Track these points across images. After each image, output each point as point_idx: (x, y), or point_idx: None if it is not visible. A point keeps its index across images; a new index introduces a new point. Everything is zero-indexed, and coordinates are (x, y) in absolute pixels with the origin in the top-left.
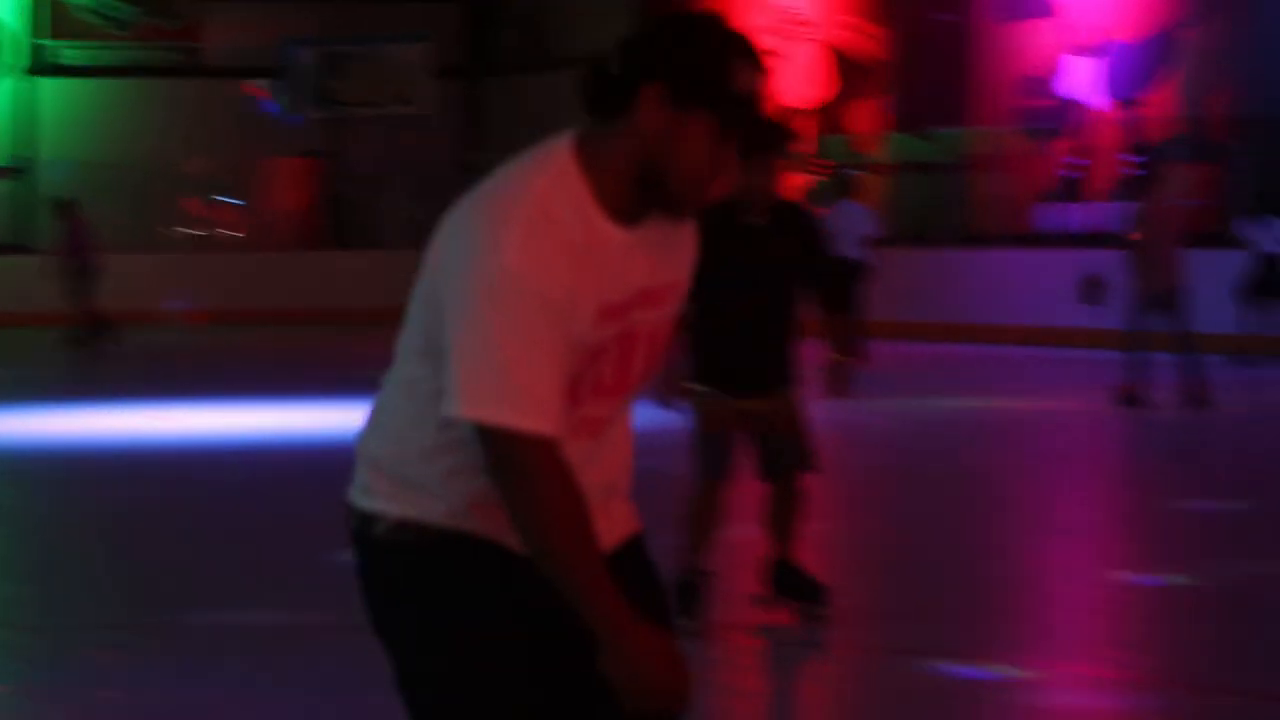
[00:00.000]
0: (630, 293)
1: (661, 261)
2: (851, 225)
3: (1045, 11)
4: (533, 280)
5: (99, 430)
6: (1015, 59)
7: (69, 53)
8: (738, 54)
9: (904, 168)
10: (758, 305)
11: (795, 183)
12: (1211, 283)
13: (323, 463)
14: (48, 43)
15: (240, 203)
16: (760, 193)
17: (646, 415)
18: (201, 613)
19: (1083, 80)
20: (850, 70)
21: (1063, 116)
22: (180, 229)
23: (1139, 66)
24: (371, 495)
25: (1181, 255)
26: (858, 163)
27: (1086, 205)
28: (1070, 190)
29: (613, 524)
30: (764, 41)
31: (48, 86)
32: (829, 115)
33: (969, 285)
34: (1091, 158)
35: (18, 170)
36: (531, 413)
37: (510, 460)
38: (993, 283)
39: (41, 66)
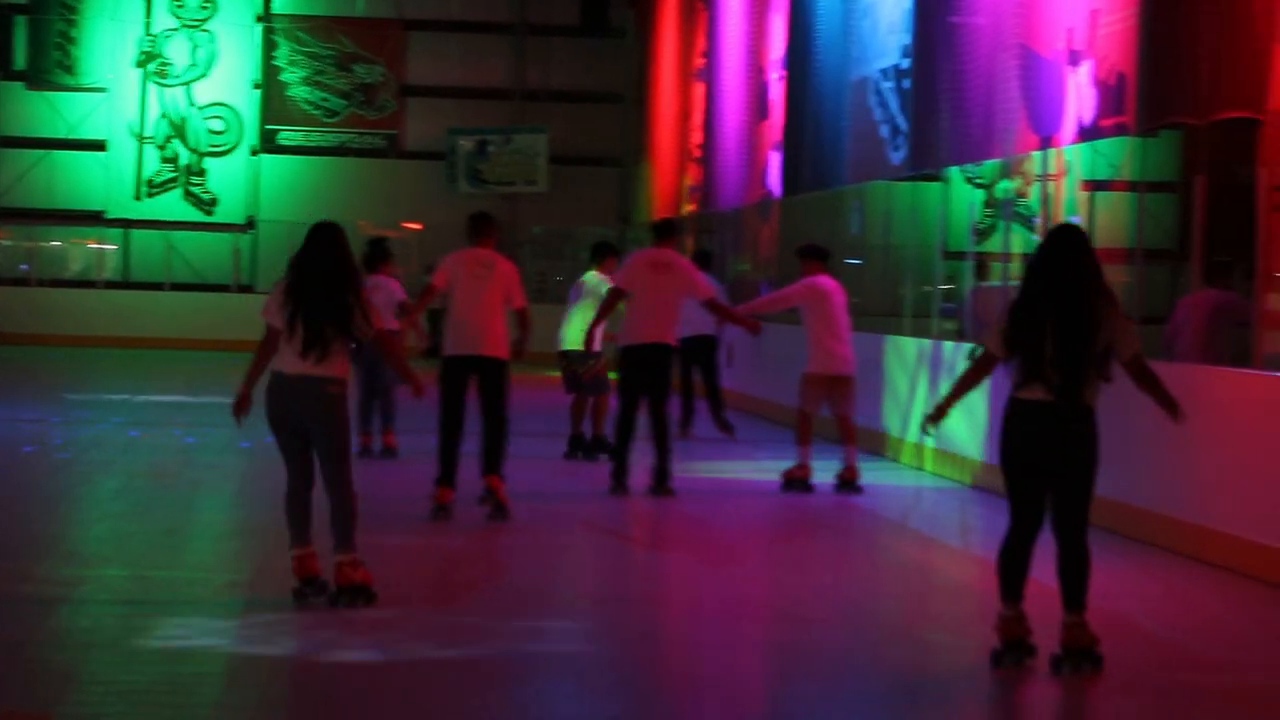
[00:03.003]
0: None
1: None
2: None
3: None
4: None
5: None
6: None
7: (288, 135)
8: None
9: None
10: None
11: None
12: None
13: None
14: (272, 127)
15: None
16: None
17: None
18: None
19: None
20: None
21: None
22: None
23: None
24: None
25: None
26: None
27: None
28: None
29: None
30: None
31: (270, 162)
32: None
33: None
34: None
35: (248, 227)
36: None
37: None
38: None
39: (267, 146)
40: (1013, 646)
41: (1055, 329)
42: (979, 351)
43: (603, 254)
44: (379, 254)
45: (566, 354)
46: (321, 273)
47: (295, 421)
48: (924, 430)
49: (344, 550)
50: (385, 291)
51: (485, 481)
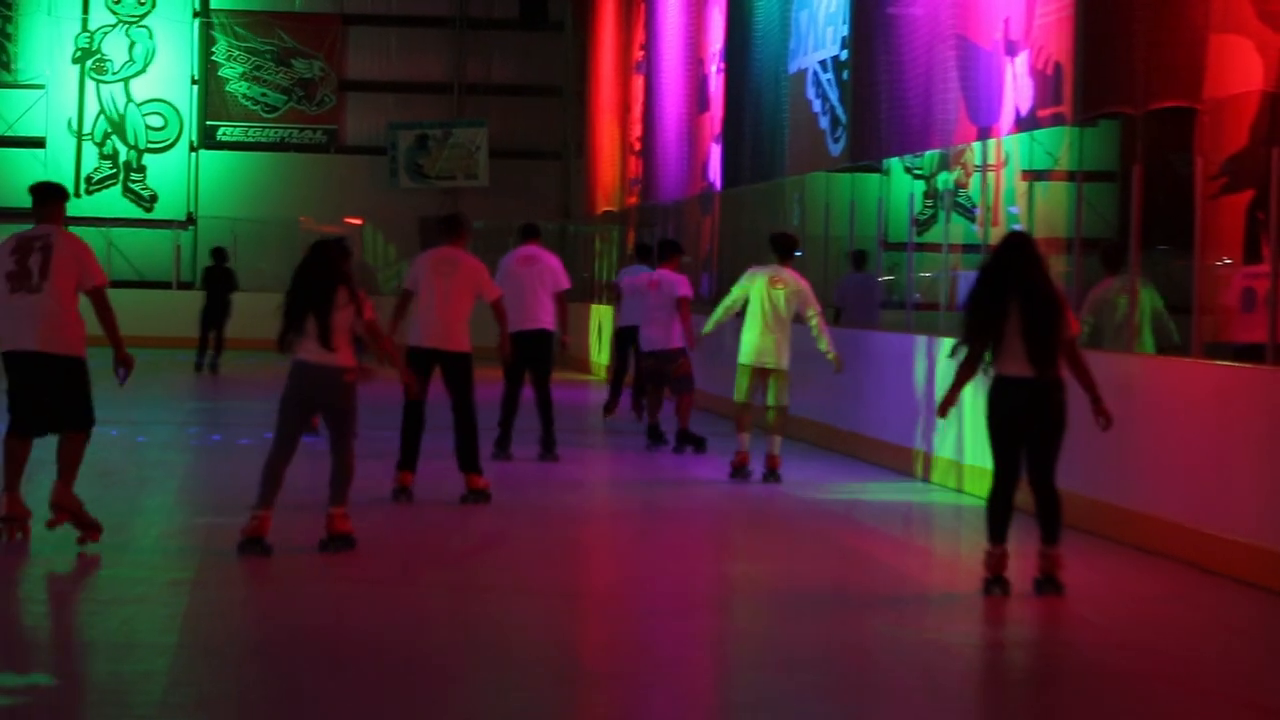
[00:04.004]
0: None
1: None
2: None
3: None
4: None
5: None
6: None
7: (228, 130)
8: None
9: None
10: None
11: None
12: None
13: None
14: (212, 123)
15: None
16: None
17: None
18: None
19: None
20: None
21: None
22: None
23: None
24: None
25: None
26: None
27: None
28: None
29: None
30: None
31: (210, 158)
32: None
33: None
34: None
35: (189, 223)
36: None
37: None
38: None
39: (207, 142)
40: (998, 579)
41: (1023, 317)
42: (962, 351)
43: (670, 252)
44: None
45: (654, 354)
46: (323, 277)
47: (309, 402)
48: (941, 415)
49: (338, 504)
50: None
51: (465, 479)
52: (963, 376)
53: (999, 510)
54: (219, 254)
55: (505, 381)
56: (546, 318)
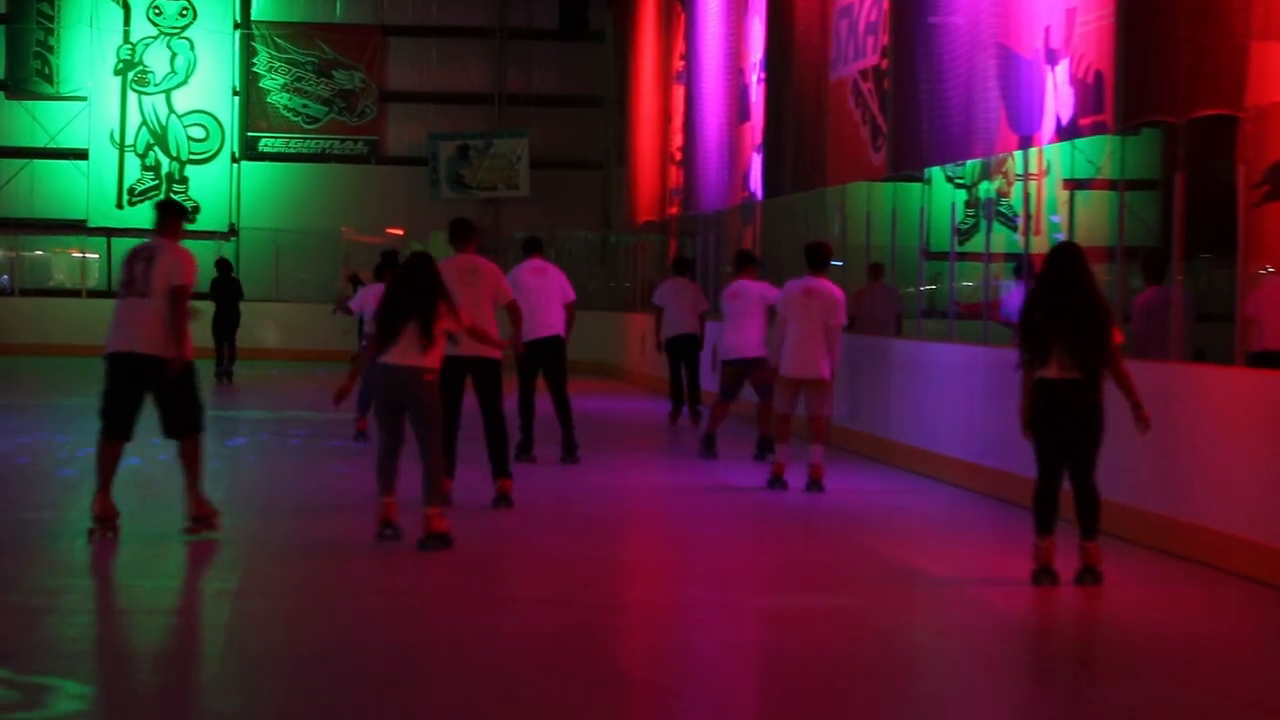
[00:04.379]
0: None
1: None
2: None
3: None
4: None
5: None
6: None
7: (269, 142)
8: None
9: None
10: None
11: None
12: None
13: None
14: (253, 134)
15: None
16: None
17: None
18: None
19: None
20: None
21: None
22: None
23: None
24: None
25: None
26: None
27: None
28: None
29: None
30: None
31: (251, 169)
32: None
33: None
34: None
35: (231, 234)
36: None
37: None
38: None
39: (248, 153)
40: (1046, 569)
41: (1074, 324)
42: (1027, 361)
43: (745, 262)
44: (389, 265)
45: (741, 361)
46: (427, 289)
47: (395, 403)
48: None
49: (432, 504)
50: None
51: (496, 484)
52: (1027, 383)
53: (1045, 505)
54: (224, 265)
55: (520, 387)
56: (559, 324)
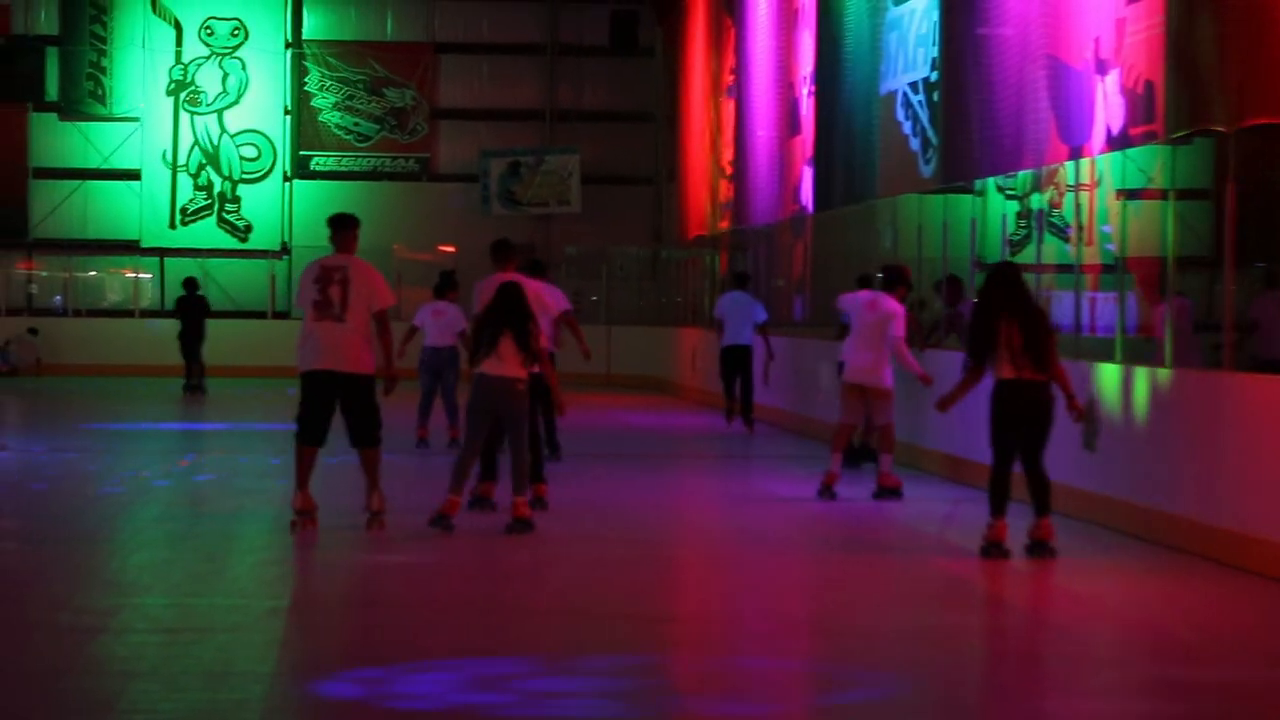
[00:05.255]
0: None
1: None
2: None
3: None
4: None
5: None
6: None
7: (321, 160)
8: None
9: None
10: None
11: None
12: None
13: None
14: (305, 153)
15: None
16: None
17: None
18: None
19: None
20: None
21: None
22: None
23: None
24: None
25: None
26: None
27: None
28: None
29: None
30: None
31: (303, 188)
32: None
33: None
34: None
35: (283, 253)
36: None
37: None
38: None
39: (300, 172)
40: (997, 544)
41: (1021, 332)
42: (971, 363)
43: (896, 281)
44: (447, 283)
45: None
46: (524, 308)
47: (490, 408)
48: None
49: (520, 493)
50: (451, 315)
51: (531, 490)
52: (968, 382)
53: (999, 489)
54: (190, 284)
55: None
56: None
